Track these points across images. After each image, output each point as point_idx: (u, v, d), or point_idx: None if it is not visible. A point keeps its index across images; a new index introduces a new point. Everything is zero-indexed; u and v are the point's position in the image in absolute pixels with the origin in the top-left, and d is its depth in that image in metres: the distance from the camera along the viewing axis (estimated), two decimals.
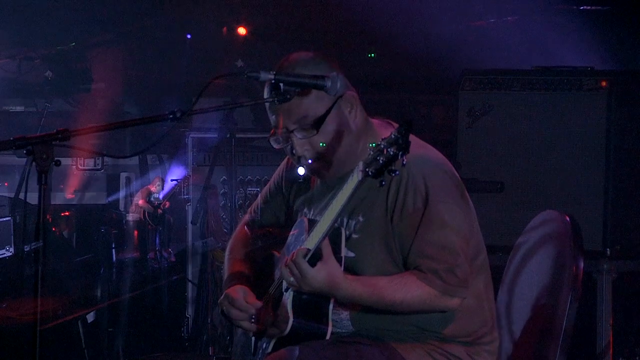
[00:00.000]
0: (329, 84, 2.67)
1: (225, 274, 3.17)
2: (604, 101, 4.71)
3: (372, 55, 6.24)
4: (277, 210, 3.16)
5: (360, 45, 6.34)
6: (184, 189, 6.04)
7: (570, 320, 2.84)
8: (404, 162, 2.39)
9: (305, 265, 2.61)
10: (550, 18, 5.87)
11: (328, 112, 2.76)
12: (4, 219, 5.20)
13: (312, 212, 2.95)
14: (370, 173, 2.42)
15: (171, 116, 2.56)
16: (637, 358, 4.83)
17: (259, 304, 2.92)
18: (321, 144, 2.77)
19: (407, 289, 2.68)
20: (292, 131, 2.77)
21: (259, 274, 3.10)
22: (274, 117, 2.79)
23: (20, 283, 4.96)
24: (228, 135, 5.65)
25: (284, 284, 2.79)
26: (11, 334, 4.57)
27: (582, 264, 2.89)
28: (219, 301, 3.02)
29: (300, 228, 2.82)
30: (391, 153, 2.38)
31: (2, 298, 4.83)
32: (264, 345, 2.91)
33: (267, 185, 3.21)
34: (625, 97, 4.73)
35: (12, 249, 5.13)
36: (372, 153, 2.42)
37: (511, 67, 5.11)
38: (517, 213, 4.50)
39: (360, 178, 2.46)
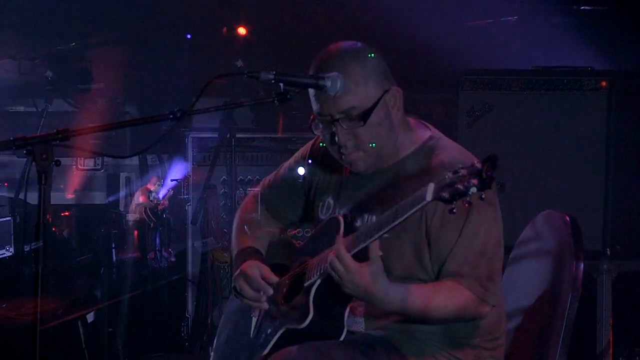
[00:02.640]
0: (328, 84, 2.68)
1: (235, 249, 3.15)
2: (604, 101, 4.71)
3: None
4: (292, 190, 3.14)
5: None
6: (184, 189, 6.04)
7: (570, 320, 2.84)
8: (483, 197, 2.32)
9: (351, 260, 2.57)
10: (550, 18, 5.86)
11: (375, 105, 2.76)
12: (4, 219, 5.20)
13: (339, 202, 2.94)
14: (443, 197, 2.34)
15: (171, 116, 2.56)
16: (637, 358, 4.83)
17: (275, 280, 2.91)
18: (361, 137, 2.76)
19: (449, 295, 2.68)
20: (337, 120, 2.76)
21: (272, 256, 3.09)
22: (319, 103, 2.78)
23: (20, 283, 4.95)
24: (228, 135, 5.65)
25: (307, 278, 2.78)
26: (11, 334, 4.57)
27: (582, 264, 2.89)
28: (233, 277, 3.00)
29: (334, 226, 2.80)
30: (471, 184, 2.29)
31: (2, 298, 4.83)
32: (269, 331, 2.89)
33: (287, 164, 3.18)
34: (625, 97, 4.73)
35: (12, 249, 5.13)
36: (449, 177, 2.34)
37: (511, 67, 5.11)
38: (517, 213, 4.49)
39: (430, 199, 2.39)
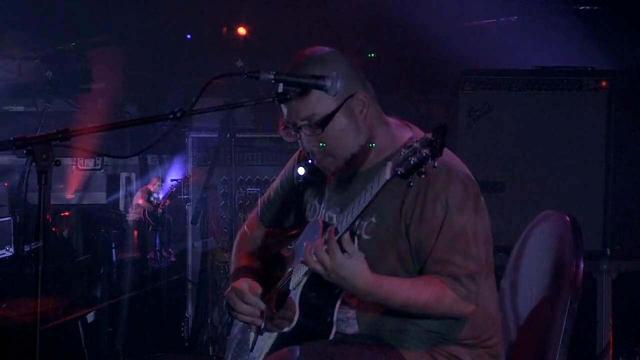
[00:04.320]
0: (328, 84, 2.68)
1: (232, 267, 3.18)
2: (604, 101, 4.70)
3: (372, 55, 6.24)
4: (288, 201, 3.15)
5: (360, 46, 6.34)
6: (184, 189, 6.05)
7: (570, 320, 2.84)
8: (436, 165, 2.37)
9: (337, 249, 2.56)
10: (550, 18, 5.86)
11: (336, 111, 2.76)
12: (4, 219, 5.20)
13: (323, 206, 2.95)
14: (399, 173, 2.40)
15: (171, 116, 2.56)
16: (637, 358, 4.82)
17: (260, 291, 2.92)
18: (325, 143, 2.77)
19: (431, 291, 2.67)
20: (299, 127, 2.78)
21: (265, 272, 3.10)
22: (285, 111, 2.80)
23: (20, 283, 4.95)
24: (228, 135, 5.65)
25: (292, 281, 2.79)
26: (11, 334, 4.57)
27: (582, 264, 2.89)
28: (225, 293, 3.02)
29: (314, 229, 2.81)
30: (424, 154, 2.36)
31: (2, 298, 4.83)
32: (263, 341, 2.90)
33: (279, 176, 3.20)
34: (625, 97, 4.73)
35: (12, 249, 5.13)
36: (404, 153, 2.40)
37: (511, 67, 5.11)
38: (517, 213, 4.50)
39: (388, 177, 2.45)
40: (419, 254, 2.73)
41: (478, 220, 2.75)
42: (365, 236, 2.78)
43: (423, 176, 2.38)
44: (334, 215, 2.87)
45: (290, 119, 2.79)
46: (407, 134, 2.86)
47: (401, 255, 2.75)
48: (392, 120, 2.91)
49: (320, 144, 2.78)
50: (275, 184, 3.21)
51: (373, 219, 2.77)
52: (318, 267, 2.59)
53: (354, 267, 2.57)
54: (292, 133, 2.82)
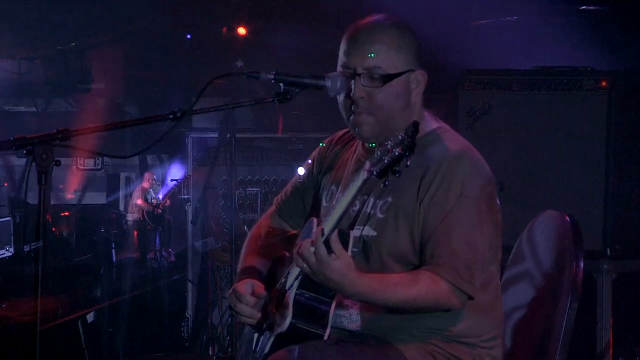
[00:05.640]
0: (329, 83, 2.69)
1: (239, 266, 3.17)
2: (604, 101, 4.70)
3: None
4: (305, 196, 3.14)
5: None
6: (184, 189, 6.05)
7: (570, 320, 2.84)
8: (408, 164, 2.40)
9: (323, 250, 2.56)
10: (550, 18, 5.86)
11: (399, 74, 2.79)
12: (4, 219, 5.20)
13: (339, 189, 2.94)
14: (375, 173, 2.43)
15: (171, 116, 2.57)
16: (637, 358, 4.82)
17: (264, 294, 2.91)
18: (375, 99, 2.77)
19: (421, 285, 2.66)
20: (359, 74, 2.77)
21: (270, 274, 3.10)
22: (345, 57, 2.80)
23: (20, 283, 4.96)
24: (228, 135, 5.65)
25: (289, 280, 2.79)
26: (11, 334, 4.57)
27: (582, 264, 2.89)
28: (226, 295, 3.01)
29: (309, 228, 2.81)
30: (396, 154, 2.39)
31: (2, 298, 4.84)
32: (264, 341, 2.90)
33: (296, 174, 3.20)
34: (625, 97, 4.73)
35: (12, 249, 5.14)
36: (378, 153, 2.43)
37: (511, 67, 5.11)
38: (517, 213, 4.48)
39: (365, 177, 2.47)
40: (422, 233, 2.73)
41: (489, 218, 2.75)
42: (380, 215, 2.78)
43: (397, 175, 2.41)
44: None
45: (351, 63, 2.78)
46: (435, 125, 2.89)
47: (413, 235, 2.75)
48: (425, 112, 2.95)
49: (370, 98, 2.77)
50: (294, 180, 3.20)
51: (390, 199, 2.77)
52: (305, 268, 2.60)
53: (340, 268, 2.57)
54: (340, 80, 2.77)
